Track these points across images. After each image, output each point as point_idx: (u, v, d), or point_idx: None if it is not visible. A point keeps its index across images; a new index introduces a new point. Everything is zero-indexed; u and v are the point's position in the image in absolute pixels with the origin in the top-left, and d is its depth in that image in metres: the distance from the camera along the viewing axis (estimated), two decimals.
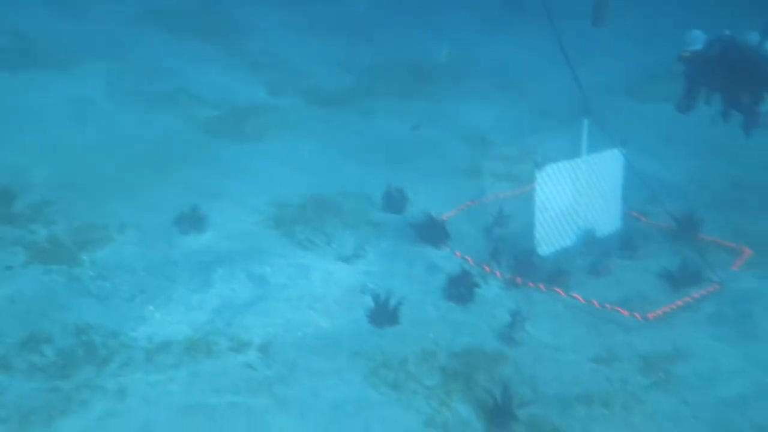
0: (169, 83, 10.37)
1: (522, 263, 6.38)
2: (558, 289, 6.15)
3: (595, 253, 6.74)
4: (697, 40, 6.68)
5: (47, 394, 4.55)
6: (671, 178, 8.69)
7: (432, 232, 6.87)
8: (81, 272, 5.87)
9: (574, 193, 6.81)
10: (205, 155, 8.34)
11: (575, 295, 6.09)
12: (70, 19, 12.64)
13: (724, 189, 8.50)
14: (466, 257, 6.62)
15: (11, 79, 9.73)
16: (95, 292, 5.67)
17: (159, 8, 14.17)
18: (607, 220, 7.16)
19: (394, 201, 7.51)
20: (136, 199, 7.07)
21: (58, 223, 6.51)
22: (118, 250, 6.23)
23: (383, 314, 5.55)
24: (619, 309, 5.90)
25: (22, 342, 5.00)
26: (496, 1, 15.63)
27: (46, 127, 8.47)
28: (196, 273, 6.05)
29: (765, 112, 6.61)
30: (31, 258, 5.95)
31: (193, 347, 5.11)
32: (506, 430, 4.51)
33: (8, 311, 5.29)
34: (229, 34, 13.61)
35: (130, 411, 4.47)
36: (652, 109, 11.75)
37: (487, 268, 6.46)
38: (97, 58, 10.97)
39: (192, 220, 6.72)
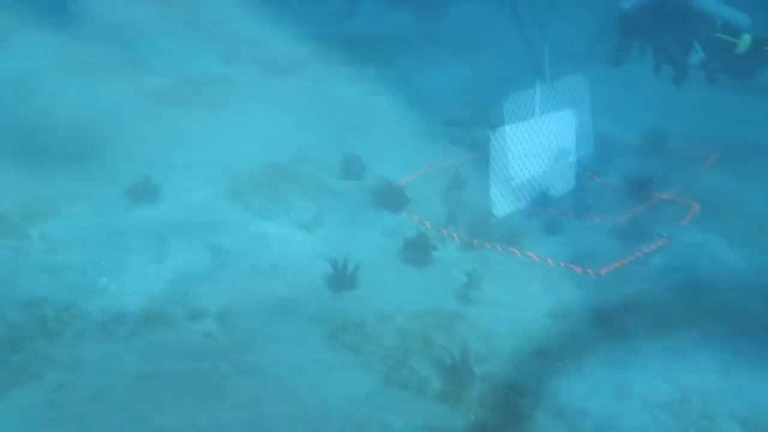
0: (116, 53, 10.08)
1: (478, 225, 6.44)
2: (514, 249, 6.23)
3: (549, 213, 6.84)
4: None
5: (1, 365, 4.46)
6: (627, 138, 8.84)
7: (390, 197, 6.88)
8: (30, 246, 5.73)
9: (528, 154, 6.89)
10: (157, 125, 8.16)
11: (530, 254, 6.18)
12: None
13: (678, 147, 8.68)
14: (424, 221, 6.65)
15: None
16: (46, 266, 5.54)
17: None
18: (561, 180, 7.26)
19: (352, 168, 7.48)
20: (86, 171, 6.91)
21: (4, 197, 6.32)
22: (68, 222, 6.09)
23: (342, 279, 5.55)
24: (572, 266, 6.02)
25: None
26: None
27: None
28: (151, 244, 5.95)
29: (694, 64, 6.77)
30: None
31: (149, 317, 5.04)
32: (463, 387, 4.59)
33: None
34: (181, 2, 13.26)
35: (84, 381, 4.41)
36: (607, 71, 11.90)
37: (444, 231, 6.50)
38: (39, 27, 10.58)
39: (145, 191, 6.59)
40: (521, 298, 5.60)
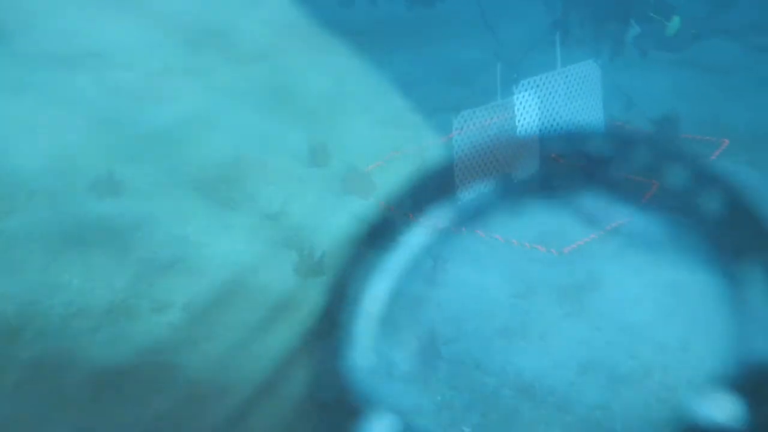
0: (76, 45, 9.92)
1: (444, 208, 6.46)
2: (479, 231, 6.27)
3: (515, 195, 6.89)
4: None
5: None
6: (651, 88, 8.81)
7: (357, 183, 6.88)
8: None
9: (492, 136, 6.92)
10: (119, 118, 8.06)
11: (496, 235, 6.22)
12: None
13: (702, 92, 8.71)
14: (390, 206, 6.66)
15: None
16: (5, 264, 5.45)
17: None
18: (526, 161, 7.31)
19: (318, 155, 7.46)
20: (45, 166, 6.80)
21: None
22: (28, 218, 6.00)
23: (308, 266, 5.55)
24: (537, 246, 6.07)
25: None
26: None
27: None
28: (115, 237, 5.89)
29: (630, 40, 6.89)
30: None
31: (113, 311, 5.00)
32: (431, 368, 4.62)
33: None
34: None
35: (47, 380, 4.36)
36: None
37: (410, 216, 6.52)
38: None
39: (108, 185, 6.51)
40: (486, 278, 5.64)
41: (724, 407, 3.57)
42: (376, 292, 5.35)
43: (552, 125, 6.88)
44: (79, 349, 4.62)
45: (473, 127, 6.73)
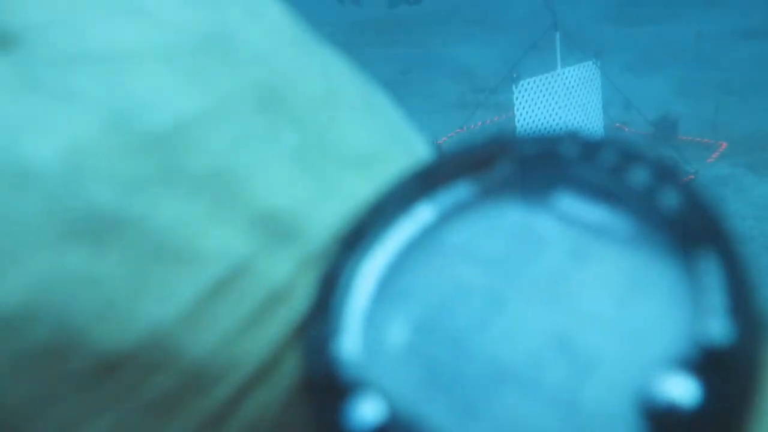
0: None
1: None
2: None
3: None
4: None
5: None
6: (654, 89, 8.91)
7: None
8: None
9: (553, 106, 7.07)
10: None
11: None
12: None
13: (705, 94, 8.71)
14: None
15: None
16: None
17: None
18: (588, 130, 7.42)
19: None
20: None
21: None
22: None
23: None
24: None
25: None
26: None
27: None
28: None
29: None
30: None
31: None
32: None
33: None
34: None
35: None
36: (635, 31, 11.96)
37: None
38: None
39: None
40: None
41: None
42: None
43: (551, 125, 6.96)
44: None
45: (533, 96, 6.91)
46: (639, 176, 0.17)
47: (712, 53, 10.29)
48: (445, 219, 0.16)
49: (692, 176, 6.52)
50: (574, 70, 7.31)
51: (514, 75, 6.91)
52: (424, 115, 8.77)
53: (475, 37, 11.98)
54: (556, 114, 7.20)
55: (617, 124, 7.89)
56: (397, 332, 0.14)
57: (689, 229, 0.15)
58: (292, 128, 0.17)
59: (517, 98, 6.96)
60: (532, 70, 7.17)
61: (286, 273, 0.16)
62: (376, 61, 10.83)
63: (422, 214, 0.16)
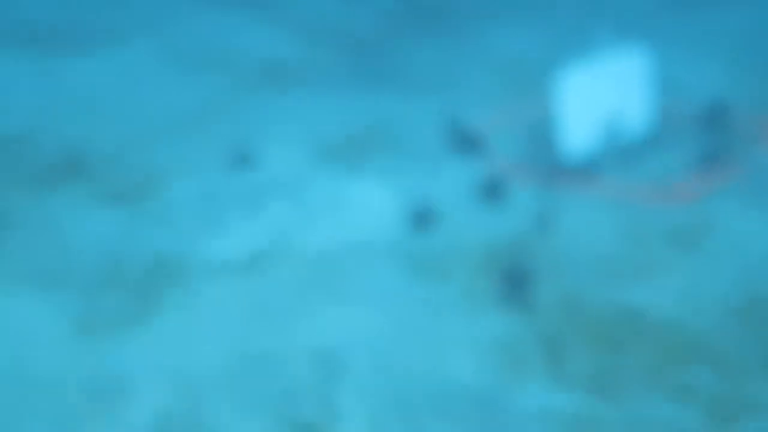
0: (211, 48, 10.97)
1: (553, 164, 6.69)
2: (589, 184, 6.44)
3: (625, 148, 6.97)
4: None
5: (134, 303, 5.24)
6: (707, 73, 8.74)
7: (468, 143, 7.24)
8: (149, 211, 6.54)
9: (600, 94, 7.02)
10: (249, 106, 8.90)
11: (604, 185, 6.37)
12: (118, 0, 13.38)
13: (759, 79, 8.51)
14: (500, 164, 6.97)
15: (74, 61, 10.51)
16: (163, 226, 6.32)
17: None
18: (637, 116, 7.34)
19: (430, 126, 7.89)
20: (190, 148, 7.70)
21: (123, 176, 7.20)
22: (179, 191, 6.87)
23: (422, 219, 6.00)
24: (646, 193, 6.16)
25: (109, 269, 5.70)
26: None
27: (107, 98, 9.21)
28: (251, 203, 6.63)
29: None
30: (104, 205, 6.65)
31: (252, 261, 5.70)
32: (523, 297, 4.92)
33: (90, 246, 6.00)
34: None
35: (203, 312, 5.10)
36: (689, 14, 11.67)
37: (519, 172, 6.80)
38: (145, 33, 11.67)
39: (242, 161, 7.30)
40: (595, 225, 5.83)
41: None
42: (487, 240, 5.71)
43: (600, 114, 6.90)
44: (228, 290, 5.34)
45: (582, 86, 6.88)
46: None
47: (766, 38, 10.02)
48: None
49: (743, 160, 6.44)
50: (621, 57, 7.27)
51: (558, 65, 6.91)
52: (468, 103, 8.85)
53: (518, 25, 11.93)
54: (603, 102, 7.18)
55: (669, 108, 7.80)
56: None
57: None
58: None
59: (561, 87, 6.98)
60: (578, 57, 7.18)
61: None
62: (422, 50, 10.92)
63: None
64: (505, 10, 12.79)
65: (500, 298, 5.01)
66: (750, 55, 9.23)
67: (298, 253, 5.80)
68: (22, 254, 5.90)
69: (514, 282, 4.99)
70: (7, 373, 4.53)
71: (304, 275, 5.51)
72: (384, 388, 4.32)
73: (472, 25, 11.60)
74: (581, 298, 4.97)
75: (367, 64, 10.49)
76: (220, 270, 5.61)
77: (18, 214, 6.51)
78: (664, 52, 8.55)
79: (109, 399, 4.25)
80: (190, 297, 5.27)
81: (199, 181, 7.04)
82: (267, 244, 5.97)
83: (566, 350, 4.49)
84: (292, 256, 5.78)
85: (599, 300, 4.93)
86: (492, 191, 6.32)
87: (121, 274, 5.58)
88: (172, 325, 4.97)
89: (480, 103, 8.62)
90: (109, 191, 6.80)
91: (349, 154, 7.47)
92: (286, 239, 6.01)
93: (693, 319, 4.64)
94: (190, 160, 7.42)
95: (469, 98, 8.90)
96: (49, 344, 4.80)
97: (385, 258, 5.64)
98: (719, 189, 6.11)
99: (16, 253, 5.92)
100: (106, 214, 6.43)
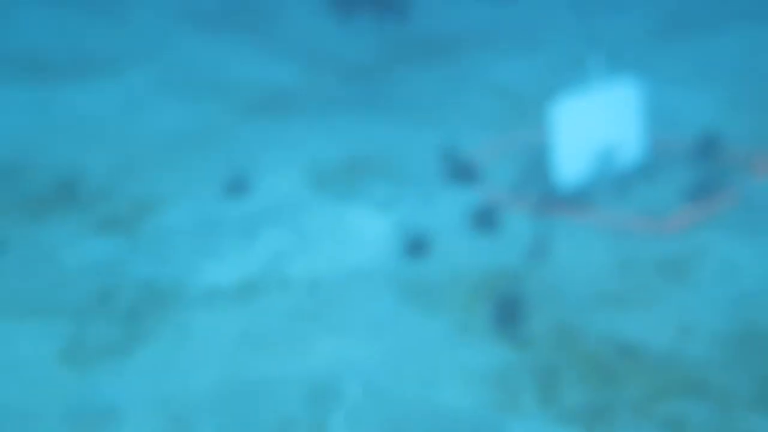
0: (208, 75, 11.06)
1: (547, 194, 6.71)
2: (581, 212, 6.45)
3: (618, 178, 6.99)
4: None
5: (124, 332, 5.19)
6: (701, 103, 8.82)
7: (462, 173, 7.26)
8: (142, 238, 6.52)
9: (593, 124, 7.07)
10: (246, 132, 8.95)
11: (597, 215, 6.38)
12: (113, 29, 13.52)
13: (753, 108, 8.59)
14: (493, 192, 6.99)
15: (69, 89, 10.57)
16: (156, 253, 6.30)
17: (195, 10, 14.96)
18: (630, 148, 7.38)
19: (426, 153, 7.92)
20: (185, 175, 7.72)
21: (118, 201, 7.20)
22: (173, 217, 6.87)
23: (416, 247, 5.99)
24: (638, 222, 6.17)
25: (99, 296, 5.67)
26: None
27: (102, 125, 9.25)
28: (245, 230, 6.62)
29: None
30: (97, 231, 6.64)
31: (245, 288, 5.67)
32: (528, 331, 4.90)
33: (82, 273, 5.98)
34: (264, 26, 14.28)
35: (194, 339, 5.06)
36: (683, 45, 11.82)
37: (512, 201, 6.81)
38: (142, 61, 11.78)
39: (237, 187, 7.31)
40: (587, 254, 5.83)
41: None
42: (480, 268, 5.70)
43: (591, 144, 6.95)
44: (220, 318, 5.31)
45: (573, 115, 6.92)
46: None
47: (760, 68, 10.13)
48: None
49: (735, 191, 6.47)
50: (614, 87, 7.33)
51: (551, 94, 6.97)
52: (463, 131, 8.90)
53: (515, 55, 12.06)
54: (595, 132, 7.22)
55: (660, 139, 7.87)
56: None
57: None
58: None
59: (555, 117, 7.03)
60: (572, 86, 7.23)
61: None
62: (419, 79, 11.01)
63: None
64: (503, 41, 12.94)
65: (493, 328, 4.98)
66: (742, 86, 9.34)
67: (291, 281, 5.78)
68: (13, 281, 5.88)
69: (508, 311, 4.97)
70: None
71: (298, 303, 5.49)
72: (376, 417, 4.27)
73: (470, 55, 11.72)
74: (574, 328, 4.95)
75: (365, 93, 10.58)
76: (213, 297, 5.58)
77: (11, 241, 6.49)
78: (658, 83, 8.65)
79: (96, 429, 4.20)
80: (182, 325, 5.23)
81: (194, 208, 7.04)
82: (261, 272, 5.95)
83: (559, 381, 4.45)
84: (286, 283, 5.75)
85: (592, 330, 4.91)
86: (486, 220, 6.33)
87: (113, 302, 5.55)
88: (163, 353, 4.93)
89: (476, 132, 8.68)
90: (102, 218, 6.79)
91: (345, 182, 7.49)
92: (279, 266, 6.00)
93: (686, 350, 4.62)
94: (186, 187, 7.43)
95: (466, 127, 8.96)
96: (37, 372, 4.76)
97: (379, 286, 5.62)
98: (711, 219, 6.14)
99: (8, 280, 5.89)
100: (100, 241, 6.42)
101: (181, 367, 4.75)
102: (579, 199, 6.63)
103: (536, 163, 7.48)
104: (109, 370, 4.75)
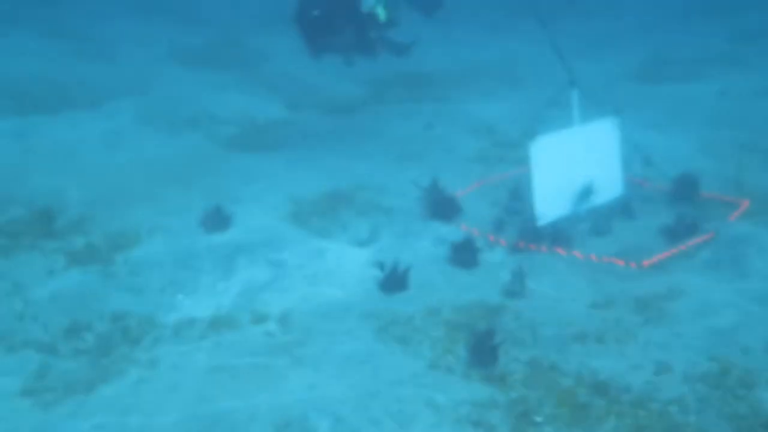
0: (191, 109, 11.06)
1: (525, 230, 6.70)
2: (559, 249, 6.44)
3: (596, 217, 7.02)
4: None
5: (89, 368, 5.05)
6: (677, 147, 8.95)
7: (443, 209, 7.25)
8: (116, 270, 6.41)
9: (571, 162, 7.12)
10: (226, 166, 8.91)
11: (575, 252, 6.37)
12: (100, 64, 13.57)
13: (729, 152, 8.71)
14: (472, 229, 6.98)
15: (50, 120, 10.52)
16: (129, 286, 6.19)
17: (182, 48, 15.08)
18: (608, 186, 7.42)
19: (404, 189, 7.92)
20: (164, 207, 7.64)
21: (93, 233, 7.09)
22: (149, 249, 6.77)
23: (392, 282, 5.93)
24: (615, 260, 6.17)
25: (66, 330, 5.53)
26: (500, 4, 16.16)
27: (82, 155, 9.18)
28: (220, 263, 6.54)
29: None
30: (71, 262, 6.52)
31: (217, 322, 5.57)
32: (508, 370, 4.83)
33: (52, 306, 5.84)
34: (248, 63, 14.40)
35: (161, 376, 4.93)
36: (660, 89, 12.04)
37: (491, 237, 6.80)
38: (126, 94, 11.78)
39: (215, 221, 7.23)
40: (564, 291, 5.80)
41: None
42: (456, 303, 5.65)
43: (569, 181, 7.03)
44: (187, 352, 5.19)
45: (550, 152, 6.97)
46: None
47: (735, 112, 10.30)
48: None
49: (712, 234, 6.50)
50: (591, 127, 7.40)
51: (531, 131, 7.03)
52: (443, 168, 8.93)
53: (498, 94, 12.20)
54: (573, 170, 7.27)
55: (637, 180, 7.96)
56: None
57: None
58: None
59: (533, 154, 7.07)
60: (553, 126, 7.29)
61: None
62: (402, 116, 11.09)
63: None
64: (484, 79, 13.11)
65: (469, 365, 4.91)
66: (714, 130, 9.48)
67: (266, 316, 5.68)
68: None
69: (483, 348, 4.90)
70: None
71: (271, 338, 5.39)
72: None
73: (451, 93, 11.85)
74: (550, 366, 4.89)
75: (347, 129, 10.62)
76: (184, 332, 5.47)
77: None
78: (637, 123, 8.75)
79: None
80: (151, 360, 5.11)
81: (171, 241, 6.95)
82: (235, 306, 5.85)
83: (534, 421, 4.37)
84: (260, 318, 5.66)
85: (568, 368, 4.85)
86: (465, 256, 6.30)
87: (81, 336, 5.41)
88: (129, 389, 4.80)
89: (456, 169, 8.70)
90: (77, 250, 6.68)
91: (324, 217, 7.45)
92: (254, 301, 5.91)
93: (661, 389, 4.57)
94: (164, 220, 7.35)
95: (447, 163, 8.99)
96: None
97: (354, 321, 5.54)
98: (688, 259, 6.15)
99: None
100: (73, 273, 6.30)
101: (147, 404, 4.61)
102: (557, 235, 6.63)
103: (514, 200, 7.49)
104: (73, 407, 4.61)
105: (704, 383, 4.52)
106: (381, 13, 8.39)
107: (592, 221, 6.93)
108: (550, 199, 7.01)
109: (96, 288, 6.13)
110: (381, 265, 6.01)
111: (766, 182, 7.60)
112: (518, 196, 7.44)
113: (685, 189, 7.32)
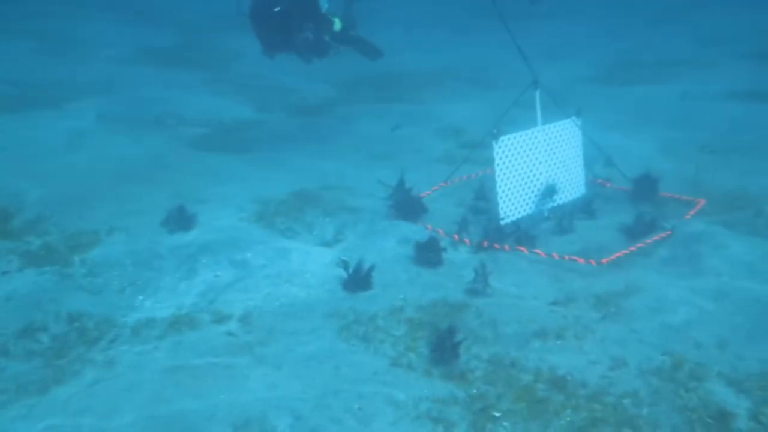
0: (158, 109, 10.95)
1: (489, 230, 6.74)
2: (522, 248, 6.49)
3: (558, 217, 7.08)
4: None
5: (43, 370, 4.95)
6: (638, 147, 9.08)
7: (408, 209, 7.26)
8: (73, 271, 6.29)
9: (534, 162, 7.19)
10: (192, 166, 8.82)
11: (537, 251, 6.43)
12: (65, 66, 13.38)
13: (689, 153, 8.86)
14: (437, 229, 7.00)
15: (11, 119, 10.33)
16: (87, 287, 6.08)
17: (150, 49, 14.92)
18: (570, 186, 7.51)
19: (369, 188, 7.91)
20: (126, 207, 7.53)
21: (51, 233, 6.95)
22: (108, 250, 6.66)
23: (356, 281, 5.92)
24: (576, 258, 6.23)
25: (19, 331, 5.40)
26: (467, 7, 16.28)
27: (42, 155, 9.02)
28: (183, 264, 6.45)
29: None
30: (26, 263, 6.38)
31: (177, 322, 5.50)
32: (468, 367, 4.84)
33: (5, 307, 5.71)
34: (217, 64, 14.30)
35: (118, 376, 4.85)
36: (624, 91, 12.22)
37: (456, 237, 6.83)
38: (91, 94, 11.62)
39: (178, 221, 7.15)
40: (526, 289, 5.84)
41: None
42: (418, 302, 5.65)
43: (532, 181, 7.12)
44: (146, 352, 5.12)
45: (513, 152, 7.03)
46: None
47: (696, 114, 10.50)
48: None
49: (669, 232, 6.61)
50: (554, 127, 7.48)
51: (494, 131, 7.07)
52: (411, 168, 8.94)
53: (467, 95, 12.29)
54: (537, 169, 7.34)
55: (599, 180, 8.06)
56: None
57: None
58: None
59: (496, 154, 7.13)
60: (520, 127, 7.36)
61: None
62: (372, 117, 11.09)
63: None
64: (452, 81, 13.19)
65: (430, 362, 4.92)
66: (675, 131, 9.64)
67: (227, 316, 5.63)
68: None
69: (445, 345, 4.91)
70: None
71: (232, 338, 5.33)
72: None
73: (420, 94, 11.89)
74: (510, 363, 4.91)
75: (315, 129, 10.59)
76: (142, 333, 5.39)
77: None
78: (600, 124, 8.86)
79: None
80: (107, 361, 5.02)
81: (133, 241, 6.85)
82: (196, 306, 5.78)
83: (492, 415, 4.39)
84: (221, 318, 5.60)
85: (528, 364, 4.88)
86: (429, 255, 6.31)
87: (35, 338, 5.30)
88: (84, 391, 4.71)
89: (423, 169, 8.73)
90: (32, 251, 6.55)
91: (290, 217, 7.41)
92: (216, 301, 5.85)
93: (617, 384, 4.62)
94: (126, 220, 7.24)
95: (414, 164, 9.00)
96: None
97: (317, 320, 5.51)
98: (646, 257, 6.24)
99: None
100: (27, 274, 6.17)
101: (102, 405, 4.53)
102: (521, 234, 6.68)
103: (478, 199, 7.54)
104: (24, 408, 4.51)
105: (657, 377, 4.58)
106: (337, 23, 8.67)
107: (555, 220, 7.00)
108: (513, 199, 7.07)
109: (52, 289, 6.01)
110: (345, 265, 5.99)
111: (722, 182, 7.76)
112: (483, 195, 7.49)
113: (644, 189, 7.44)
